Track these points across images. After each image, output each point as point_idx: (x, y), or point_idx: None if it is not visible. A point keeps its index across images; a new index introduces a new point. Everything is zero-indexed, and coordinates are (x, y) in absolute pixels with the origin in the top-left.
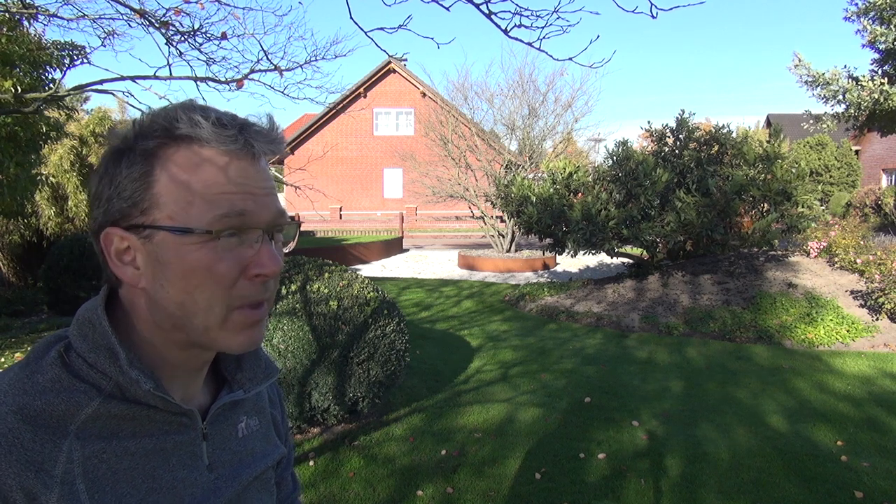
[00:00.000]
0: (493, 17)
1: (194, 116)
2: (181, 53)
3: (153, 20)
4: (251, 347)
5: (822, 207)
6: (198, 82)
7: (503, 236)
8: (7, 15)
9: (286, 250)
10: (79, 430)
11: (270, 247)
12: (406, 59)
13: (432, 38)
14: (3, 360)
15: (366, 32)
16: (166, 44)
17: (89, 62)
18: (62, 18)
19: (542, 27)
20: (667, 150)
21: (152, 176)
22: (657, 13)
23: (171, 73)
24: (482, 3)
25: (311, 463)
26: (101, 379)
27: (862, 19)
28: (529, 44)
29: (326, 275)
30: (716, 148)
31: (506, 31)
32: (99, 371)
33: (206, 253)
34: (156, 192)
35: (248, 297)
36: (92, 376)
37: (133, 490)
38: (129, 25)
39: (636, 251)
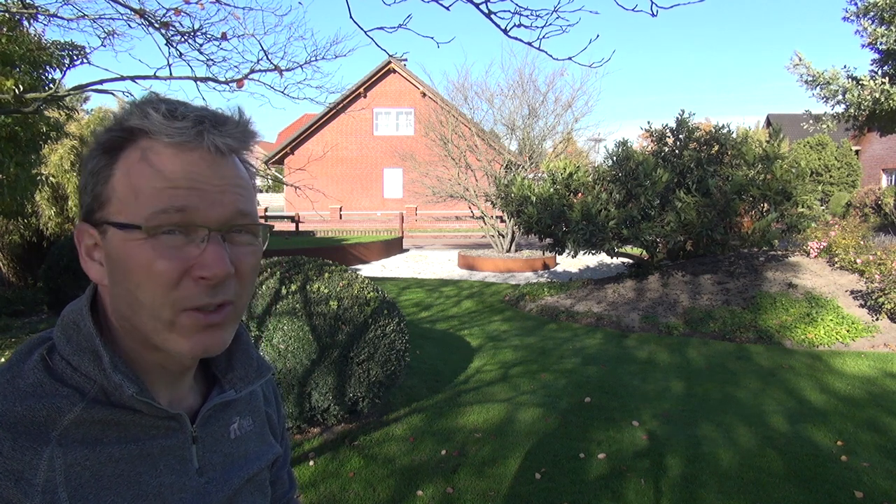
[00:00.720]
0: (492, 16)
1: (146, 108)
2: (181, 54)
3: (153, 20)
4: (205, 354)
5: (822, 207)
6: (198, 82)
7: (503, 236)
8: (7, 15)
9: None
10: (61, 437)
11: (219, 247)
12: (406, 59)
13: (432, 38)
14: (2, 360)
15: (366, 32)
16: (166, 44)
17: (89, 62)
18: (62, 18)
19: (542, 27)
20: (667, 150)
21: (110, 170)
22: (657, 11)
23: (171, 74)
24: (482, 3)
25: (311, 463)
26: (86, 382)
27: (862, 20)
28: (529, 43)
29: (326, 275)
30: (716, 148)
31: (505, 31)
32: (83, 374)
33: (145, 250)
34: (111, 186)
35: (193, 301)
36: (76, 380)
37: (118, 498)
38: (129, 25)
39: (636, 251)
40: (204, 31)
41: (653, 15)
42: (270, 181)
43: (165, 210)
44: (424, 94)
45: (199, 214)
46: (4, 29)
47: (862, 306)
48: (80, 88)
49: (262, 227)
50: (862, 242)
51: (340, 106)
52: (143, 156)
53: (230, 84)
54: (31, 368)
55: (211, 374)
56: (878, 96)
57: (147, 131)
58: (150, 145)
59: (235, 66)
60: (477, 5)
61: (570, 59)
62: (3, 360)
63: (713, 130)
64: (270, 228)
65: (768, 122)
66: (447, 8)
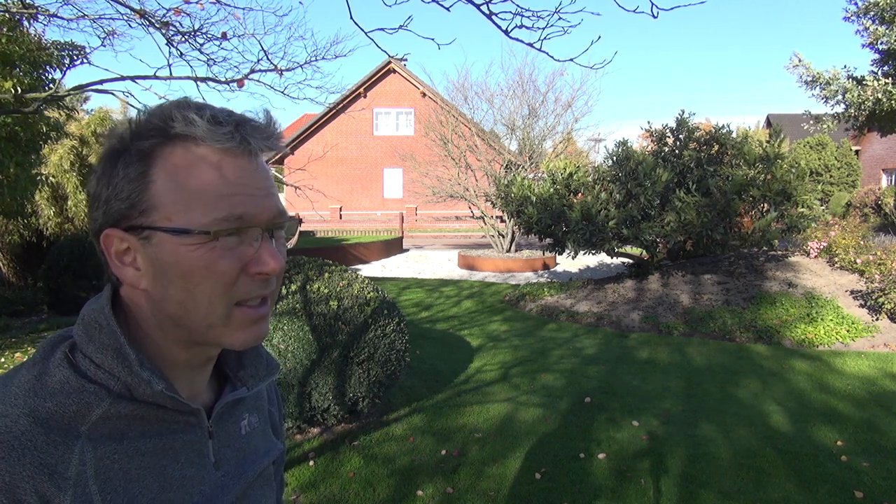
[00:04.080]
0: (493, 17)
1: (189, 115)
2: (181, 54)
3: (153, 20)
4: (255, 343)
5: (822, 207)
6: (198, 82)
7: (503, 236)
8: (7, 15)
9: (288, 246)
10: (90, 432)
11: (271, 244)
12: (406, 60)
13: (433, 39)
14: (3, 360)
15: (366, 33)
16: (167, 44)
17: (89, 62)
18: (62, 18)
19: (543, 28)
20: (667, 150)
21: (149, 176)
22: (658, 13)
23: (171, 74)
24: (483, 4)
25: (311, 463)
26: (110, 379)
27: (862, 19)
28: (530, 44)
29: (326, 275)
30: (716, 148)
31: (507, 32)
32: (107, 372)
33: (205, 252)
34: (153, 192)
35: (251, 294)
36: (100, 377)
37: (144, 489)
38: (129, 25)
39: (636, 251)
40: (204, 30)
41: (653, 17)
42: None
43: (227, 218)
44: (424, 94)
45: (254, 219)
46: (4, 29)
47: (862, 306)
48: (80, 88)
49: (295, 221)
50: (862, 242)
51: (340, 106)
52: (190, 163)
53: (230, 84)
54: (57, 366)
55: (222, 372)
56: (879, 96)
57: (193, 137)
58: (197, 151)
59: (235, 66)
60: (478, 6)
61: (571, 60)
62: (2, 360)
63: (713, 130)
64: (300, 222)
65: (768, 122)
66: (447, 9)
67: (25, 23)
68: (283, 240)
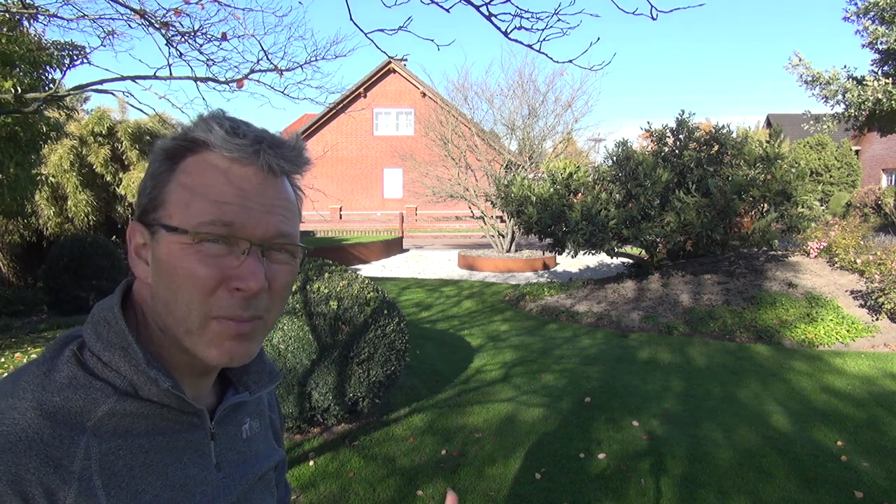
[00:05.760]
0: (493, 18)
1: (211, 122)
2: (181, 54)
3: (153, 21)
4: (230, 363)
5: (822, 207)
6: (198, 82)
7: (503, 236)
8: (7, 15)
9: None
10: (95, 427)
11: (257, 262)
12: (406, 60)
13: (432, 40)
14: (3, 360)
15: (366, 34)
16: (166, 44)
17: (89, 62)
18: (62, 18)
19: (543, 29)
20: (667, 150)
21: (168, 175)
22: (657, 15)
23: (171, 74)
24: (482, 5)
25: (311, 463)
26: (115, 377)
27: (862, 19)
28: (530, 46)
29: (326, 275)
30: (716, 148)
31: (506, 34)
32: (113, 369)
33: (189, 254)
34: (167, 190)
35: (226, 310)
36: (107, 374)
37: (147, 486)
38: (129, 25)
39: (636, 251)
40: (204, 31)
41: (653, 18)
42: None
43: (213, 222)
44: (424, 94)
45: (244, 230)
46: (4, 29)
47: (862, 306)
48: (80, 88)
49: (300, 248)
50: (862, 242)
51: (340, 106)
52: (200, 167)
53: (230, 84)
54: (65, 363)
55: (224, 376)
56: (879, 96)
57: (209, 144)
58: (209, 158)
59: (235, 66)
60: (477, 7)
61: (570, 61)
62: (3, 360)
63: (713, 130)
64: (307, 251)
65: (768, 122)
66: (447, 10)
67: (25, 23)
68: (283, 263)
